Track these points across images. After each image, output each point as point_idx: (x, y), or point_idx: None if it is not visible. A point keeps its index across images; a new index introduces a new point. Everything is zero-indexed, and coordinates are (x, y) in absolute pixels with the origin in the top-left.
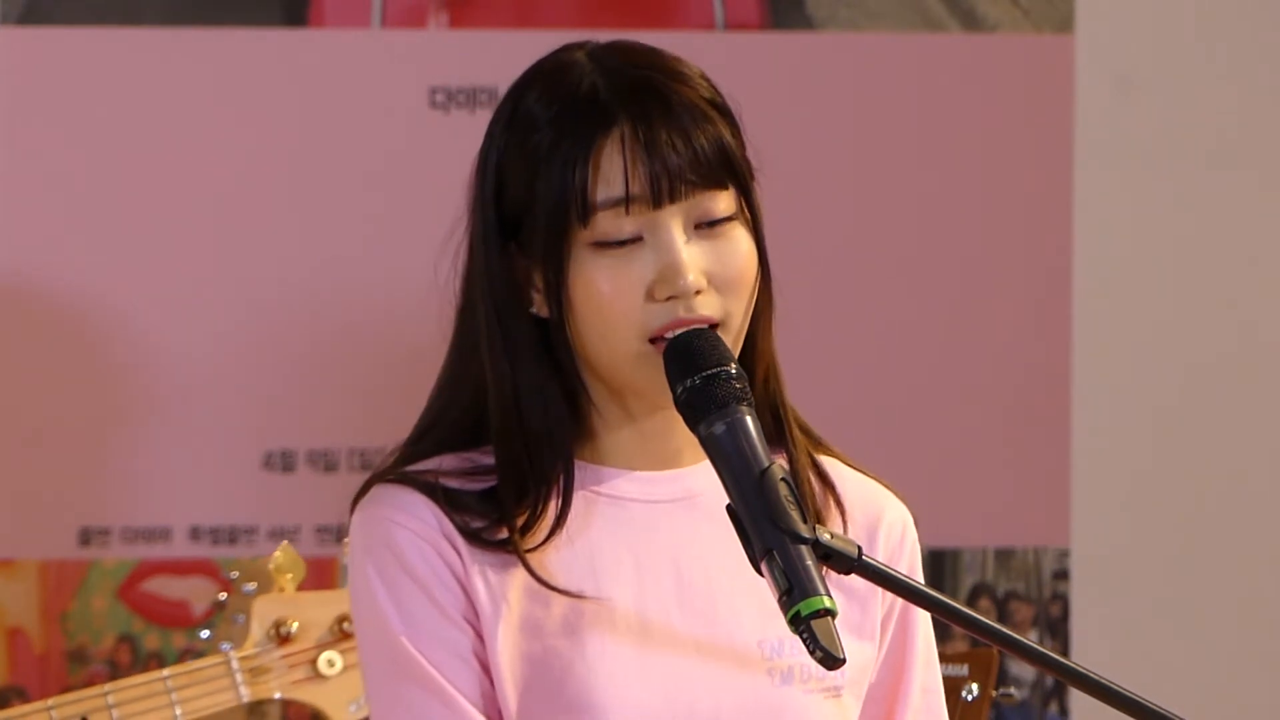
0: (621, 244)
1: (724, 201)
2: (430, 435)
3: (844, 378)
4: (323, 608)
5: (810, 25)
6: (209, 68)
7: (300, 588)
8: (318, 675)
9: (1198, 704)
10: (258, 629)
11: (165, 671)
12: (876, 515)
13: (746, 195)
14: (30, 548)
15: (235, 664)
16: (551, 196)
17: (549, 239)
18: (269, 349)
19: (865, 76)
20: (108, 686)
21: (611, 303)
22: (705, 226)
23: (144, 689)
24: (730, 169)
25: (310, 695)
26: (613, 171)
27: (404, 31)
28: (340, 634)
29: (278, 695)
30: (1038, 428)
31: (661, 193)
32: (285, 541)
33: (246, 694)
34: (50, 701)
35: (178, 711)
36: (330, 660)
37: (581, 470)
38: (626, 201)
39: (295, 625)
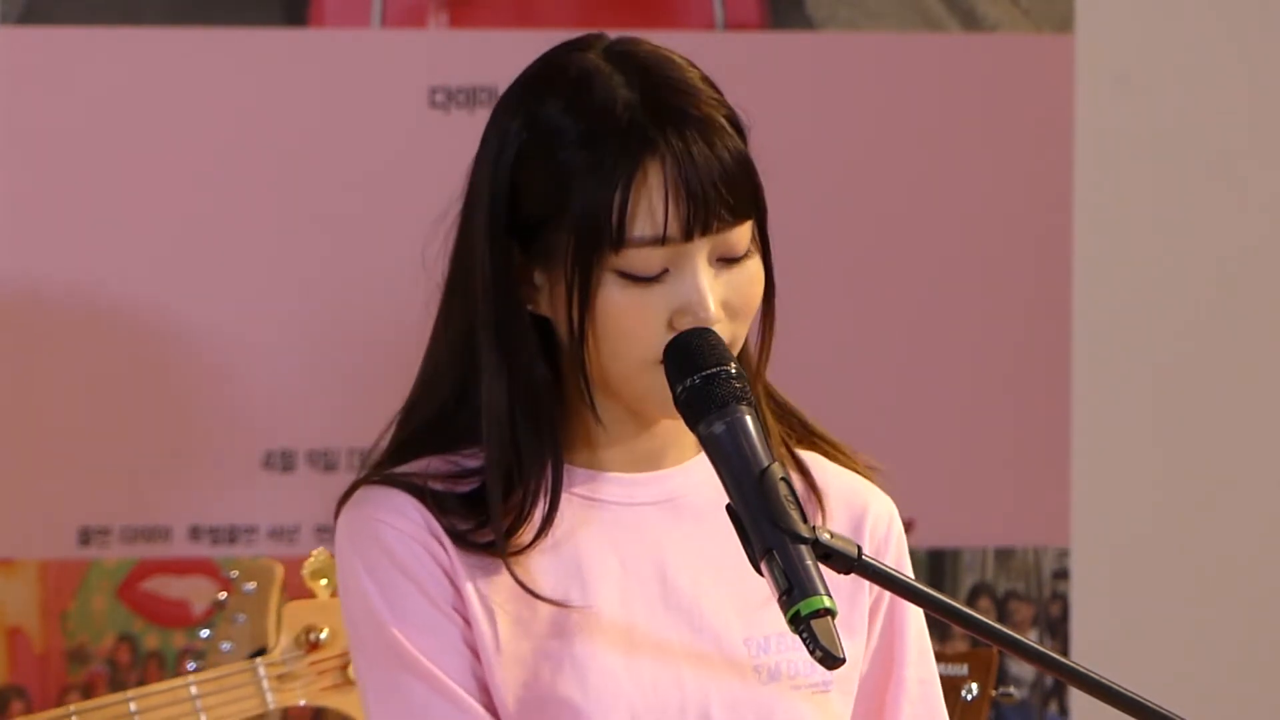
0: (649, 278)
1: (746, 235)
2: (411, 432)
3: (844, 377)
4: None
5: (810, 25)
6: (209, 68)
7: None
8: (347, 682)
9: (1197, 703)
10: (286, 635)
11: (191, 678)
12: (861, 509)
13: (761, 223)
14: (30, 547)
15: (262, 671)
16: (585, 219)
17: (578, 259)
18: (269, 349)
19: (865, 76)
20: (131, 693)
21: (633, 331)
22: (725, 260)
23: (168, 695)
24: (756, 203)
25: (340, 702)
26: (653, 206)
27: (404, 31)
28: None
29: (303, 702)
30: (1038, 428)
31: (694, 229)
32: (321, 547)
33: (273, 701)
34: (73, 708)
35: (204, 719)
36: None
37: (567, 473)
38: (664, 240)
39: (325, 632)
